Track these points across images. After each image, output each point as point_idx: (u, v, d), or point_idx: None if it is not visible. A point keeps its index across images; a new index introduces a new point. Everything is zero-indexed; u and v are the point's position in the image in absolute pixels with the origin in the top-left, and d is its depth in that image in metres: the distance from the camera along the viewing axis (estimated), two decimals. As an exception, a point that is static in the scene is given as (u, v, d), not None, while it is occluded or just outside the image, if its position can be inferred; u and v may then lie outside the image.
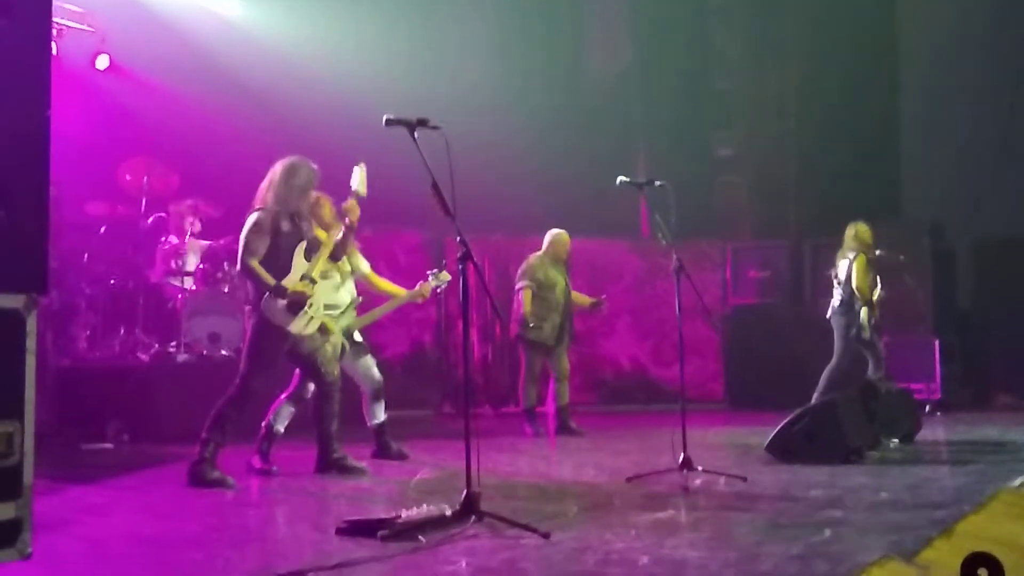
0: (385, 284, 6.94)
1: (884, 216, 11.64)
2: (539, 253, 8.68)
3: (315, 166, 5.85)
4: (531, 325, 8.37)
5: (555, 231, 8.72)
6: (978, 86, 12.19)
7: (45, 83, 3.57)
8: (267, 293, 5.58)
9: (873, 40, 12.95)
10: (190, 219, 8.89)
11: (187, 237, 8.87)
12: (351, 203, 5.92)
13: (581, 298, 8.82)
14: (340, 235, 6.04)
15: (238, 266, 5.75)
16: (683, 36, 13.15)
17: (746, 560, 3.65)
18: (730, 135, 13.40)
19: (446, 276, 6.79)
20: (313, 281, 5.69)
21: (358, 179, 5.81)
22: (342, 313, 6.37)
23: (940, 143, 12.38)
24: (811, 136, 12.86)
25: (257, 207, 5.72)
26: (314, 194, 6.19)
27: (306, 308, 5.65)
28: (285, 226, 5.70)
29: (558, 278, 8.56)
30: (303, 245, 5.78)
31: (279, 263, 5.64)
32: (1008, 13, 11.80)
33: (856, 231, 8.66)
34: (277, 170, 5.80)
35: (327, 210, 6.40)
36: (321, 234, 6.09)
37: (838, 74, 12.58)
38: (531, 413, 8.50)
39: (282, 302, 5.58)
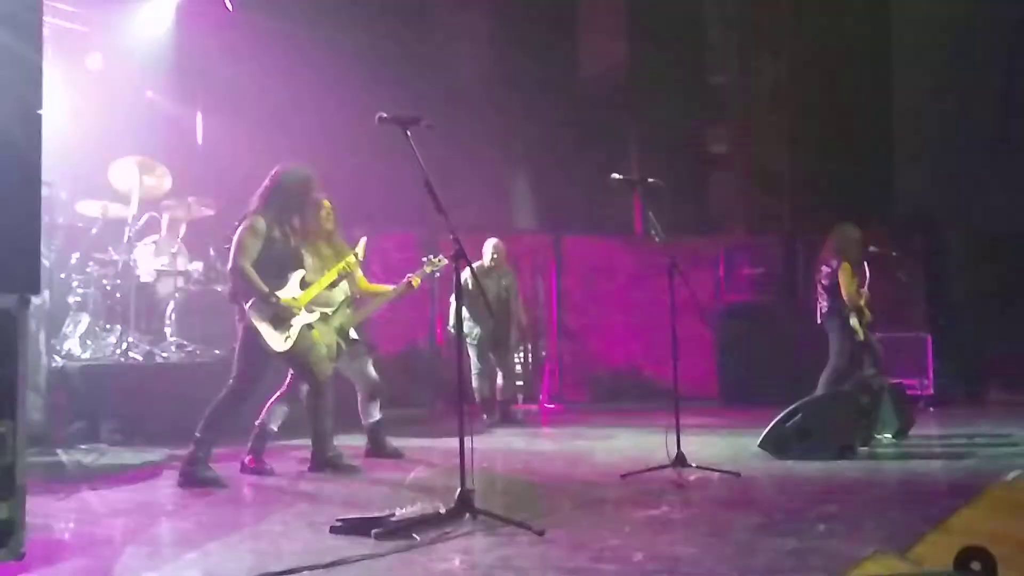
0: (373, 287, 6.91)
1: (877, 211, 11.69)
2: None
3: (312, 172, 5.81)
4: (452, 331, 8.83)
5: (488, 240, 9.03)
6: (972, 81, 12.23)
7: (37, 82, 3.57)
8: (255, 298, 5.55)
9: (867, 36, 12.99)
10: (182, 219, 8.89)
11: (179, 237, 8.85)
12: (352, 261, 6.22)
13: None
14: (337, 274, 6.14)
15: (230, 267, 5.67)
16: (676, 31, 13.15)
17: (740, 556, 3.65)
18: (723, 131, 13.43)
19: (442, 261, 6.75)
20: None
21: (361, 247, 6.35)
22: (335, 312, 6.35)
23: (934, 138, 12.42)
24: (805, 132, 12.90)
25: (253, 210, 5.66)
26: (317, 197, 6.22)
27: (288, 325, 5.63)
28: (276, 233, 5.67)
29: (489, 286, 8.78)
30: (301, 273, 5.79)
31: (266, 270, 5.59)
32: (1002, 8, 11.82)
33: (840, 235, 8.24)
34: (276, 175, 5.74)
35: (326, 213, 6.42)
36: (330, 270, 6.14)
37: (832, 70, 12.62)
38: (485, 404, 8.92)
39: (269, 310, 5.55)
